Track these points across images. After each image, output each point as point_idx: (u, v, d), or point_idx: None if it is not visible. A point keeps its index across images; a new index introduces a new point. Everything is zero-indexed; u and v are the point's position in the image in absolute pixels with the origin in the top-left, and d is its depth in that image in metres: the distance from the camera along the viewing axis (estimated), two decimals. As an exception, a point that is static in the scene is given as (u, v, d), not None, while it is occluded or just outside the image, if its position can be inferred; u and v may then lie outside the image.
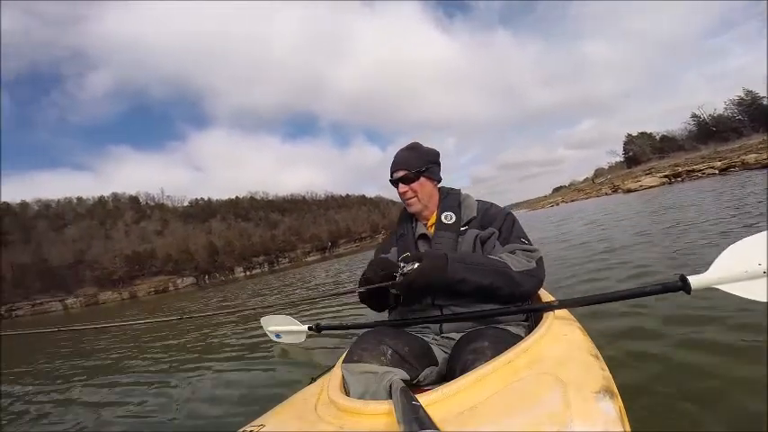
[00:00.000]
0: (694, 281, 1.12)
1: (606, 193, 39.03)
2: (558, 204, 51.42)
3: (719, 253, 1.18)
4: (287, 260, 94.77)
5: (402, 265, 1.22)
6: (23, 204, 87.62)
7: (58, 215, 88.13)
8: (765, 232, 1.09)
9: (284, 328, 3.20)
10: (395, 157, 1.53)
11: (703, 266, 1.16)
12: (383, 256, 1.56)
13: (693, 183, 23.08)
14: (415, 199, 1.48)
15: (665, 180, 29.75)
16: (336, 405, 0.94)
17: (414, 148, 1.54)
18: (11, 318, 56.18)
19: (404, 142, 1.60)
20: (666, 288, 1.15)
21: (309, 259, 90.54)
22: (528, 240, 1.40)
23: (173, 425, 2.39)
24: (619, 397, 0.74)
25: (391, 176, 1.51)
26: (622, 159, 79.50)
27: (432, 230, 1.48)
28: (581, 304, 1.26)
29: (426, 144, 1.59)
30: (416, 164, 1.48)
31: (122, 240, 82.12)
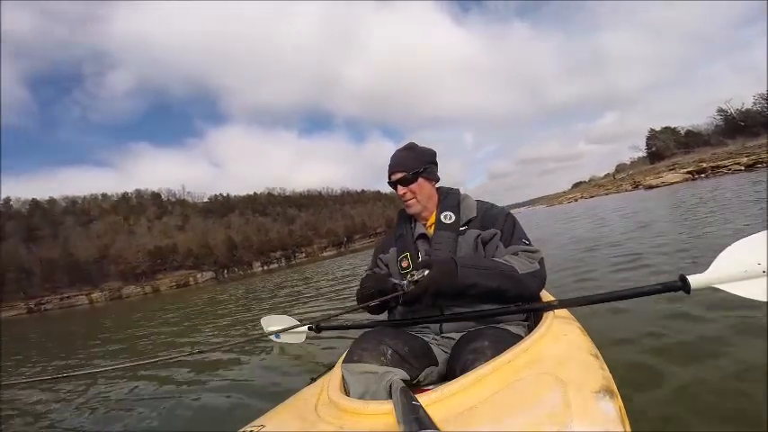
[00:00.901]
0: (694, 280, 1.13)
1: (627, 190, 38.36)
2: (576, 200, 50.79)
3: (717, 253, 1.19)
4: (303, 255, 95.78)
5: (411, 273, 1.21)
6: (51, 201, 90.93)
7: (84, 211, 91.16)
8: (764, 232, 1.10)
9: (283, 327, 3.10)
10: (391, 159, 1.51)
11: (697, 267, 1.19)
12: (382, 255, 1.59)
13: (718, 179, 22.50)
14: (414, 200, 1.46)
15: (688, 176, 29.13)
16: (337, 405, 0.94)
17: (410, 149, 1.52)
18: (40, 311, 58.13)
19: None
20: (666, 288, 1.16)
21: (325, 254, 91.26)
22: (529, 241, 1.40)
23: (172, 425, 2.40)
24: (619, 397, 0.74)
25: (389, 179, 1.50)
26: (645, 155, 77.61)
27: (431, 231, 1.46)
28: (581, 304, 1.26)
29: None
30: (414, 165, 1.46)
31: (145, 235, 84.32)
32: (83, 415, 2.91)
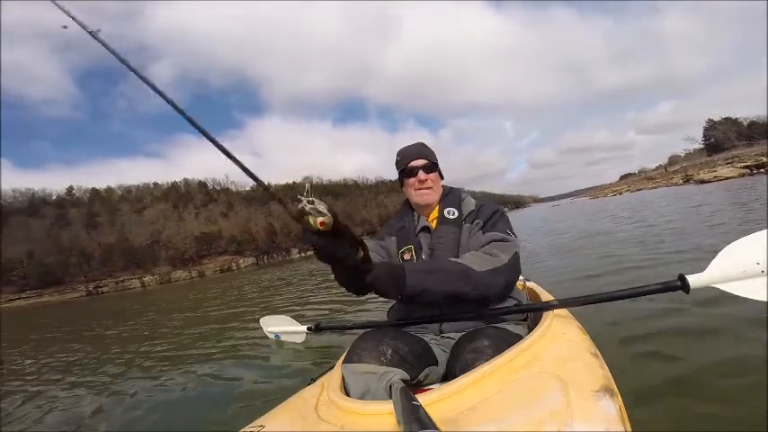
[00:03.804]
0: (693, 280, 1.14)
1: (677, 184, 36.34)
2: (621, 194, 48.63)
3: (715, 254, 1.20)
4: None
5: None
6: (109, 189, 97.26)
7: (138, 199, 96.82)
8: (762, 232, 1.11)
9: (283, 328, 3.16)
10: (407, 150, 1.53)
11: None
12: (382, 242, 1.58)
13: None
14: (433, 189, 1.48)
15: (745, 171, 27.12)
16: (337, 405, 0.95)
17: (425, 145, 1.55)
18: (98, 294, 62.26)
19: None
20: (665, 287, 1.17)
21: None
22: (509, 232, 1.37)
23: (173, 426, 2.41)
24: (619, 395, 0.75)
25: (405, 166, 1.49)
26: (702, 146, 72.75)
27: (434, 224, 1.48)
28: (580, 303, 1.27)
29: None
30: (433, 156, 1.51)
31: (192, 222, 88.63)
32: (79, 413, 2.94)
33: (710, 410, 1.44)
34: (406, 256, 1.44)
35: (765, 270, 1.05)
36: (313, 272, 13.80)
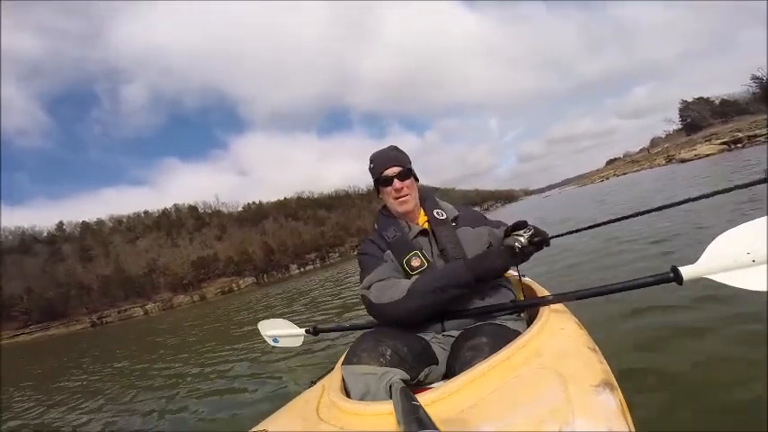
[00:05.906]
0: (685, 272, 1.13)
1: (660, 165, 37.34)
2: (608, 179, 49.69)
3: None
4: (337, 254, 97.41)
5: (520, 234, 1.27)
6: (99, 222, 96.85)
7: (129, 229, 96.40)
8: (753, 222, 1.11)
9: (281, 331, 3.17)
10: (381, 157, 1.50)
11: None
12: (384, 263, 1.44)
13: (756, 148, 21.88)
14: (410, 196, 1.45)
15: (724, 147, 28.02)
16: (338, 407, 0.96)
17: (397, 149, 1.53)
18: (102, 324, 62.16)
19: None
20: (658, 280, 1.16)
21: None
22: None
23: (175, 428, 2.47)
24: (618, 389, 0.74)
25: (380, 174, 1.46)
26: (680, 127, 74.61)
27: (426, 227, 1.46)
28: (576, 298, 1.26)
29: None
30: (406, 161, 1.49)
31: (187, 247, 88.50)
32: (82, 414, 3.09)
33: (709, 405, 1.44)
34: (415, 263, 1.38)
35: (756, 260, 1.05)
36: (328, 279, 14.27)
